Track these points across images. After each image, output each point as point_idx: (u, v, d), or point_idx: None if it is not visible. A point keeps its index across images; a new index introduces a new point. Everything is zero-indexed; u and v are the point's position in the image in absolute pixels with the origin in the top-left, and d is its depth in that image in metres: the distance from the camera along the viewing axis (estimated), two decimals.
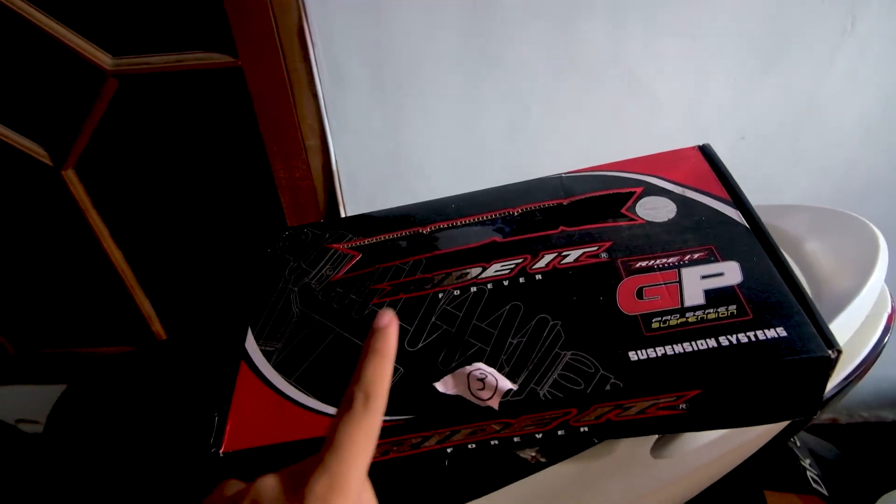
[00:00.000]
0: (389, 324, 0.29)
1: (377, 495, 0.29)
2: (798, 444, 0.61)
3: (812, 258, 0.48)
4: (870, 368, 0.48)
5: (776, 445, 0.57)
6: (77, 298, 0.98)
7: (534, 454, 0.43)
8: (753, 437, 0.47)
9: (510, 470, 0.46)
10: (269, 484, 0.24)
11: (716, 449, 0.46)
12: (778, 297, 0.39)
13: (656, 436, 0.46)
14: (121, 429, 0.56)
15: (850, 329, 0.45)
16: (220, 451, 0.40)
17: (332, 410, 0.40)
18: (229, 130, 0.77)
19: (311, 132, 0.73)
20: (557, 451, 0.46)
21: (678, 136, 0.72)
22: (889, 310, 0.49)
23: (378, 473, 0.42)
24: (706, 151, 0.51)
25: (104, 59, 0.69)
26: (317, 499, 0.22)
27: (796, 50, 0.68)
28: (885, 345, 0.48)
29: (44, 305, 1.01)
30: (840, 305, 0.44)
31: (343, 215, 0.83)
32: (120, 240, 0.88)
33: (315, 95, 0.70)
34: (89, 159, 0.79)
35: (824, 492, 0.56)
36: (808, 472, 0.56)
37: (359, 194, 0.78)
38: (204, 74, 0.70)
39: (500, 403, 0.38)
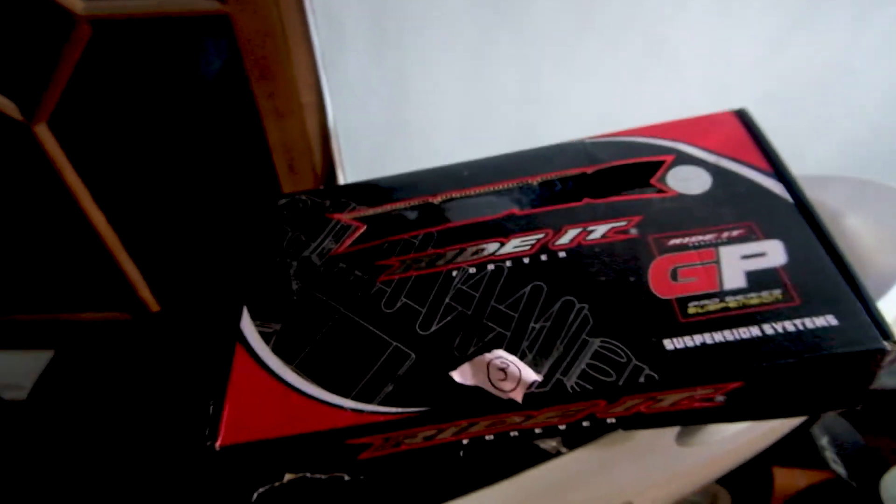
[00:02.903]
0: None
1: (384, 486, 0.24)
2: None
3: (853, 233, 0.45)
4: None
5: (801, 428, 0.55)
6: (56, 263, 0.93)
7: (555, 444, 0.41)
8: (781, 422, 0.45)
9: (528, 456, 0.44)
10: None
11: (743, 435, 0.44)
12: (826, 281, 0.35)
13: None
14: (108, 407, 0.53)
15: (894, 310, 0.42)
16: (216, 444, 0.37)
17: (337, 400, 0.37)
18: (217, 83, 0.71)
19: (307, 88, 0.68)
20: (579, 438, 0.43)
21: (699, 98, 0.67)
22: None
23: (387, 466, 0.40)
24: (743, 116, 0.47)
25: (75, 3, 0.62)
26: None
27: (831, 3, 0.63)
28: None
29: (21, 270, 0.96)
30: (885, 284, 0.41)
31: (342, 177, 0.78)
32: (101, 200, 0.83)
33: (311, 48, 0.64)
34: (63, 114, 0.73)
35: (843, 471, 0.55)
36: (827, 453, 0.55)
37: (358, 155, 0.73)
38: (188, 21, 0.64)
39: (524, 395, 0.35)
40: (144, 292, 0.94)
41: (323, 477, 0.39)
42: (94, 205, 0.83)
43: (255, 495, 0.39)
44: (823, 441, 0.56)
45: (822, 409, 0.37)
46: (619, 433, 0.44)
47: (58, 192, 0.81)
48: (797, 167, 0.43)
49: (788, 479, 0.79)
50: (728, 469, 0.48)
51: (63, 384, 0.59)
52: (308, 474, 0.39)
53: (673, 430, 0.43)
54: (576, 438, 0.43)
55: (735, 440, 0.44)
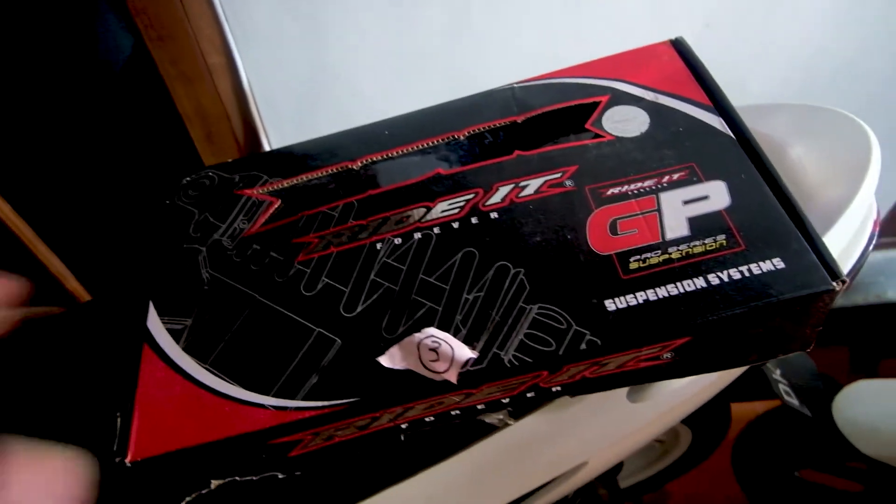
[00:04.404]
0: None
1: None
2: None
3: (798, 166, 0.42)
4: (853, 280, 0.45)
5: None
6: None
7: (501, 417, 0.38)
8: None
9: (474, 430, 0.41)
10: None
11: (697, 383, 0.43)
12: (773, 222, 0.33)
13: None
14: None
15: (841, 244, 0.40)
16: (127, 459, 0.33)
17: (257, 399, 0.33)
18: (113, 52, 0.64)
19: (213, 47, 0.61)
20: (527, 407, 0.41)
21: (640, 26, 0.63)
22: (874, 216, 0.45)
23: (323, 458, 0.37)
24: (679, 46, 0.43)
25: None
26: None
27: None
28: (867, 256, 0.44)
29: None
30: (830, 219, 0.39)
31: (266, 142, 0.72)
32: (4, 191, 0.75)
33: (209, 1, 0.57)
34: None
35: (796, 402, 0.55)
36: (781, 386, 0.55)
37: (281, 118, 0.67)
38: None
39: (459, 375, 0.32)
40: (72, 283, 0.87)
41: (254, 478, 0.36)
42: None
43: None
44: (776, 374, 0.56)
45: (774, 354, 0.36)
46: (569, 397, 0.42)
47: None
48: (739, 92, 0.40)
49: (745, 409, 0.81)
50: (684, 416, 0.47)
51: None
52: (237, 478, 0.36)
53: (623, 388, 0.42)
54: (522, 408, 0.41)
55: (689, 389, 0.43)
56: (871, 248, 0.44)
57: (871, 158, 0.40)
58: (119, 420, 0.34)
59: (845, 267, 0.43)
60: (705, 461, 0.84)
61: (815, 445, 0.77)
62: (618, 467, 0.70)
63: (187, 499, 0.36)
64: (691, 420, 0.70)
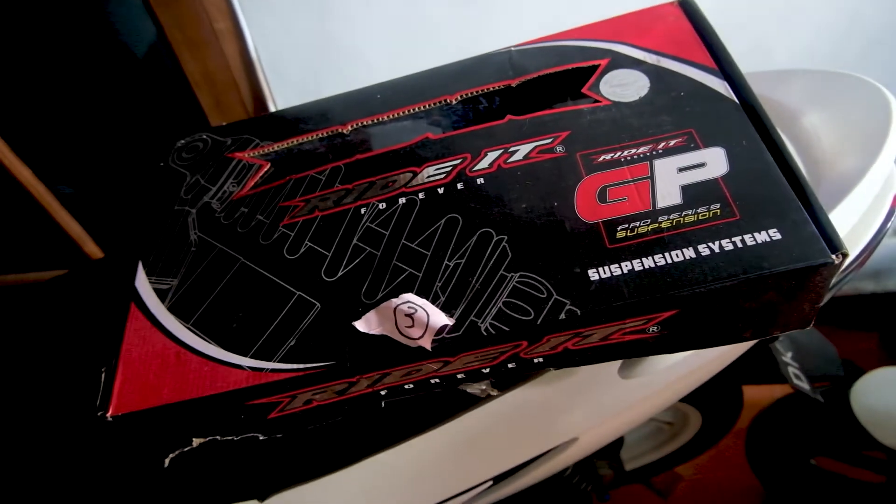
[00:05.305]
0: None
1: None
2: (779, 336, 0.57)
3: (811, 134, 0.40)
4: (869, 258, 0.42)
5: (762, 345, 0.53)
6: None
7: (484, 388, 0.38)
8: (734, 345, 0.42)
9: (459, 401, 0.41)
10: None
11: (692, 360, 0.41)
12: (772, 191, 0.31)
13: None
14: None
15: (854, 217, 0.38)
16: (108, 413, 0.33)
17: (235, 360, 0.33)
18: (120, 18, 0.64)
19: (219, 13, 0.61)
20: (511, 379, 0.40)
21: None
22: (895, 190, 0.42)
23: (304, 422, 0.37)
24: (687, 7, 0.41)
25: None
26: None
27: None
28: (886, 231, 0.42)
29: None
30: (843, 190, 0.37)
31: (273, 110, 0.72)
32: (25, 156, 0.77)
33: None
34: None
35: (806, 386, 0.52)
36: (790, 368, 0.53)
37: (287, 85, 0.67)
38: None
39: (434, 342, 0.31)
40: (90, 247, 0.89)
41: (235, 439, 0.36)
42: (17, 161, 0.77)
43: (167, 461, 0.37)
44: (787, 356, 0.54)
45: (770, 331, 0.34)
46: (558, 371, 0.41)
47: None
48: (764, 63, 0.38)
49: (760, 394, 0.78)
50: (682, 395, 0.46)
51: None
52: (218, 437, 0.36)
53: (615, 363, 0.40)
54: (507, 380, 0.40)
55: (685, 366, 0.41)
56: (889, 224, 0.42)
57: (891, 127, 0.37)
58: (103, 375, 0.35)
59: (858, 243, 0.40)
60: (717, 445, 0.82)
61: (831, 433, 0.74)
62: (618, 443, 0.69)
63: (171, 455, 0.37)
64: (700, 401, 0.68)
